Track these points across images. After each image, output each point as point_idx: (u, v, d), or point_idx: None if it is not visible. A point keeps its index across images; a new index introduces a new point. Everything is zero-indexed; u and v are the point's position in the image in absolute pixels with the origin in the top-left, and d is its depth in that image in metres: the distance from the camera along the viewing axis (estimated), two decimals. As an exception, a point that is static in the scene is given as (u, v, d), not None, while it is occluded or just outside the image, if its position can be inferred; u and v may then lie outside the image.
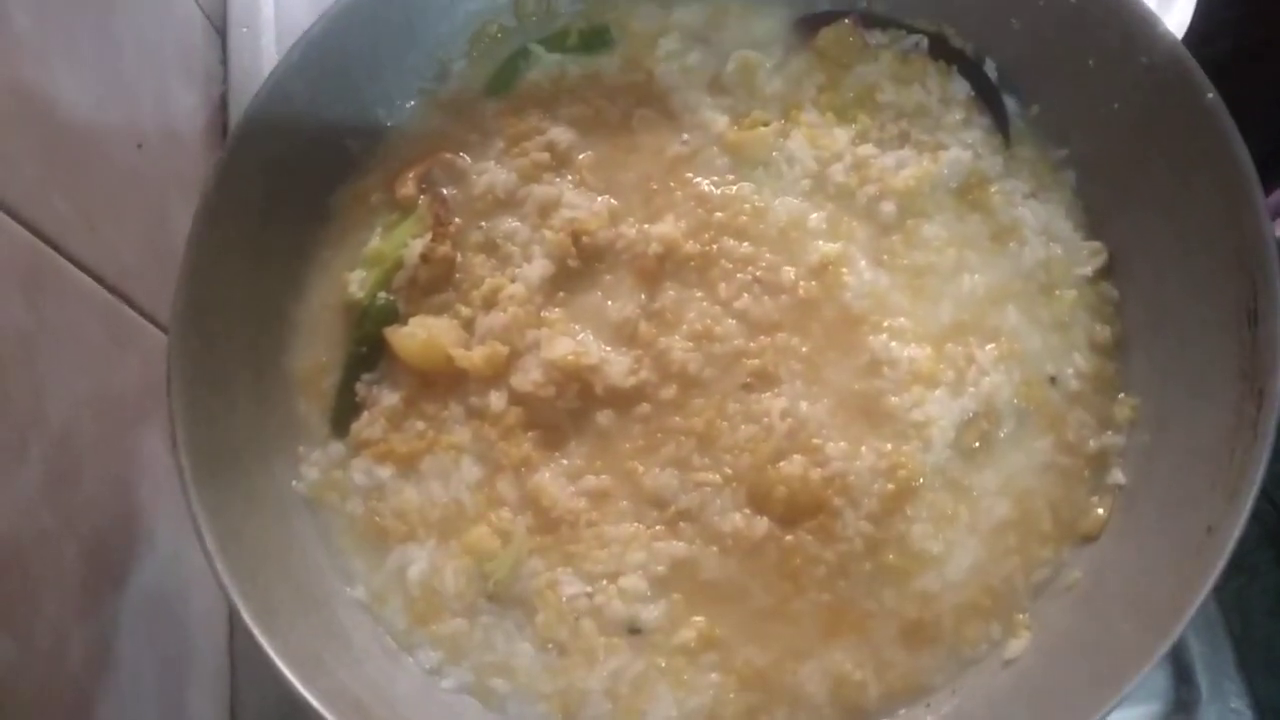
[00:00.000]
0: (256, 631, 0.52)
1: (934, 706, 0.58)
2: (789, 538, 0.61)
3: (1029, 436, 0.63)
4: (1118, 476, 0.62)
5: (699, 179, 0.70)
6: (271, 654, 0.51)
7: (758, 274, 0.67)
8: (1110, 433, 0.63)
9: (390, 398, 0.65)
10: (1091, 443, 0.62)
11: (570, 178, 0.70)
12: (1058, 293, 0.66)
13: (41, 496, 0.55)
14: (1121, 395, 0.64)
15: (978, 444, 0.62)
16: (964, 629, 0.59)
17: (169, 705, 0.64)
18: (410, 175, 0.70)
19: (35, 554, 0.54)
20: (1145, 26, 0.61)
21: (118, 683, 0.59)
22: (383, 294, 0.67)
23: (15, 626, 0.51)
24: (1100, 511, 0.61)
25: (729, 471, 0.62)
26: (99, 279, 0.66)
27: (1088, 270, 0.66)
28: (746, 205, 0.69)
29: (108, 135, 0.69)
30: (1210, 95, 0.59)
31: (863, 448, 0.62)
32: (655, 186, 0.70)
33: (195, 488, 0.55)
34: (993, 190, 0.68)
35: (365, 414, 0.64)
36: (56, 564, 0.55)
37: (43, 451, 0.55)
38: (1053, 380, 0.64)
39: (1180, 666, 0.70)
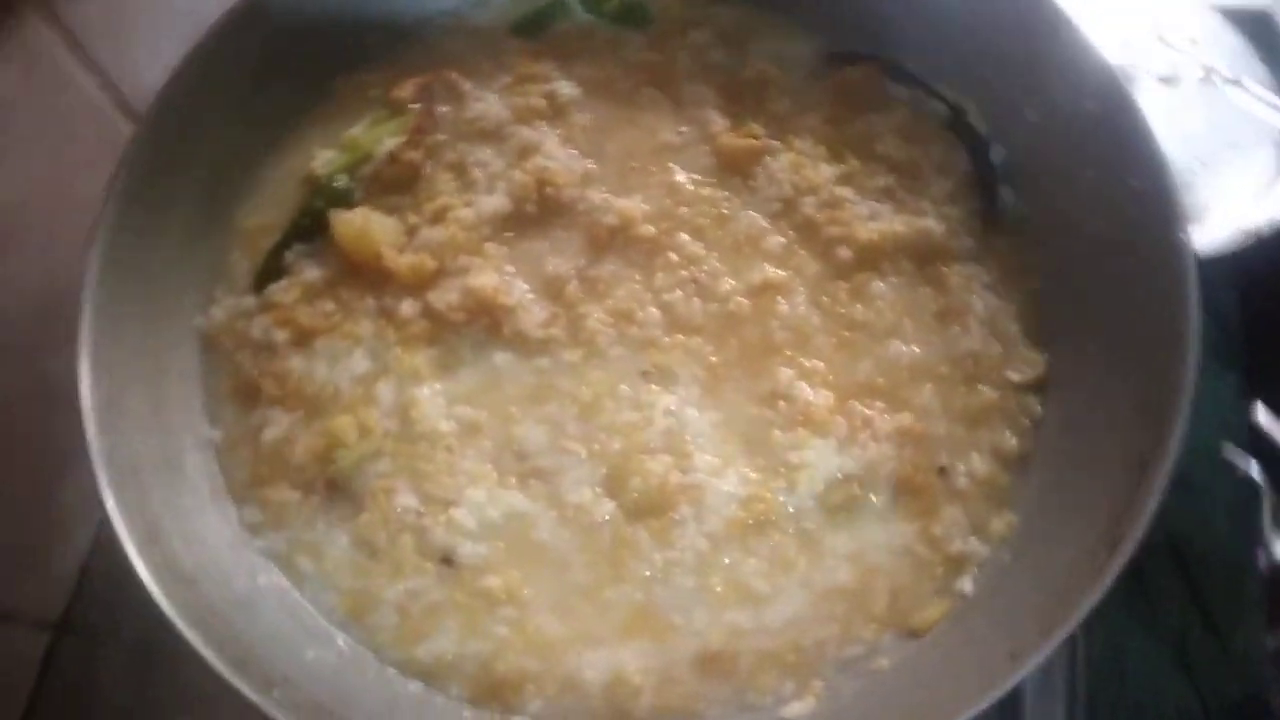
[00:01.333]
0: (89, 422, 0.53)
1: (697, 735, 0.57)
2: (627, 529, 0.61)
3: (896, 516, 0.62)
4: (966, 585, 0.60)
5: (679, 170, 0.70)
6: (93, 448, 0.53)
7: (698, 275, 0.67)
8: (977, 540, 0.61)
9: (313, 273, 0.66)
10: (956, 544, 0.61)
11: (559, 131, 0.71)
12: (980, 388, 0.64)
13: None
14: (1005, 510, 0.62)
15: (842, 505, 0.61)
16: (759, 675, 0.58)
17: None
18: (412, 81, 0.72)
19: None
20: (1146, 148, 0.60)
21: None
22: (344, 177, 0.69)
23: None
24: (934, 613, 0.59)
25: (597, 448, 0.62)
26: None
27: (1019, 377, 0.65)
28: (713, 210, 0.69)
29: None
30: (1180, 235, 0.57)
31: (730, 469, 0.62)
32: (635, 165, 0.71)
33: (95, 285, 0.57)
34: (954, 269, 0.67)
35: (285, 280, 0.66)
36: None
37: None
38: (941, 471, 0.62)
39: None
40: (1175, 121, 0.81)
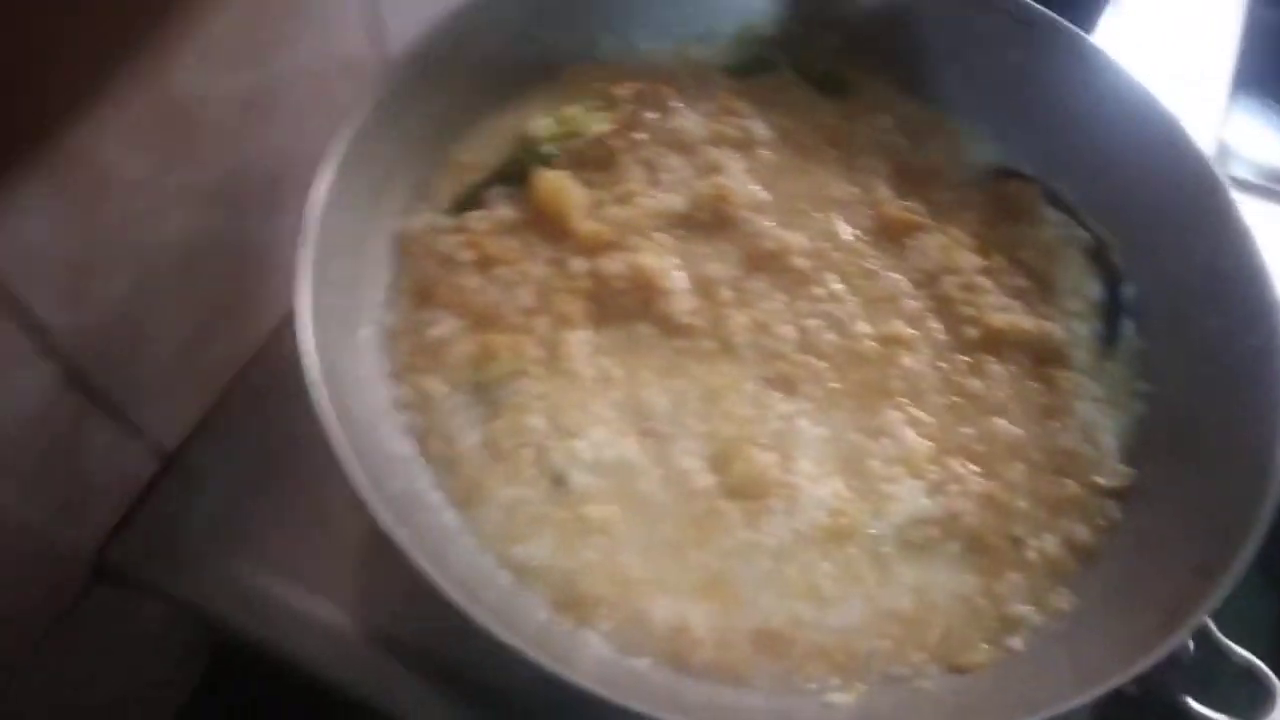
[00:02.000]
0: (303, 269, 0.61)
1: (739, 698, 0.60)
2: (722, 503, 0.66)
3: (964, 567, 0.66)
4: (1016, 643, 0.63)
5: (841, 222, 0.78)
6: (299, 288, 0.60)
7: (836, 312, 0.74)
8: (1034, 609, 0.65)
9: (507, 212, 0.75)
10: (1014, 606, 0.65)
11: (744, 162, 0.80)
12: (1066, 481, 0.69)
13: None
14: (1064, 589, 0.66)
15: (919, 543, 0.66)
16: (808, 663, 0.62)
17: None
18: (631, 84, 0.82)
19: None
20: (1268, 309, 0.66)
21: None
22: (552, 145, 0.78)
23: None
24: (982, 658, 0.63)
25: (711, 429, 0.68)
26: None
27: (1104, 482, 0.69)
28: (862, 262, 0.76)
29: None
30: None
31: (826, 481, 0.67)
32: (802, 207, 0.79)
33: (332, 166, 0.65)
34: (1067, 375, 0.73)
35: (483, 211, 0.74)
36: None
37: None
38: (1015, 541, 0.67)
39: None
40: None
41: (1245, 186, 1.14)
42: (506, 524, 0.64)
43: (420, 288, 0.72)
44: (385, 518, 0.54)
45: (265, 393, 0.80)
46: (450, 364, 0.68)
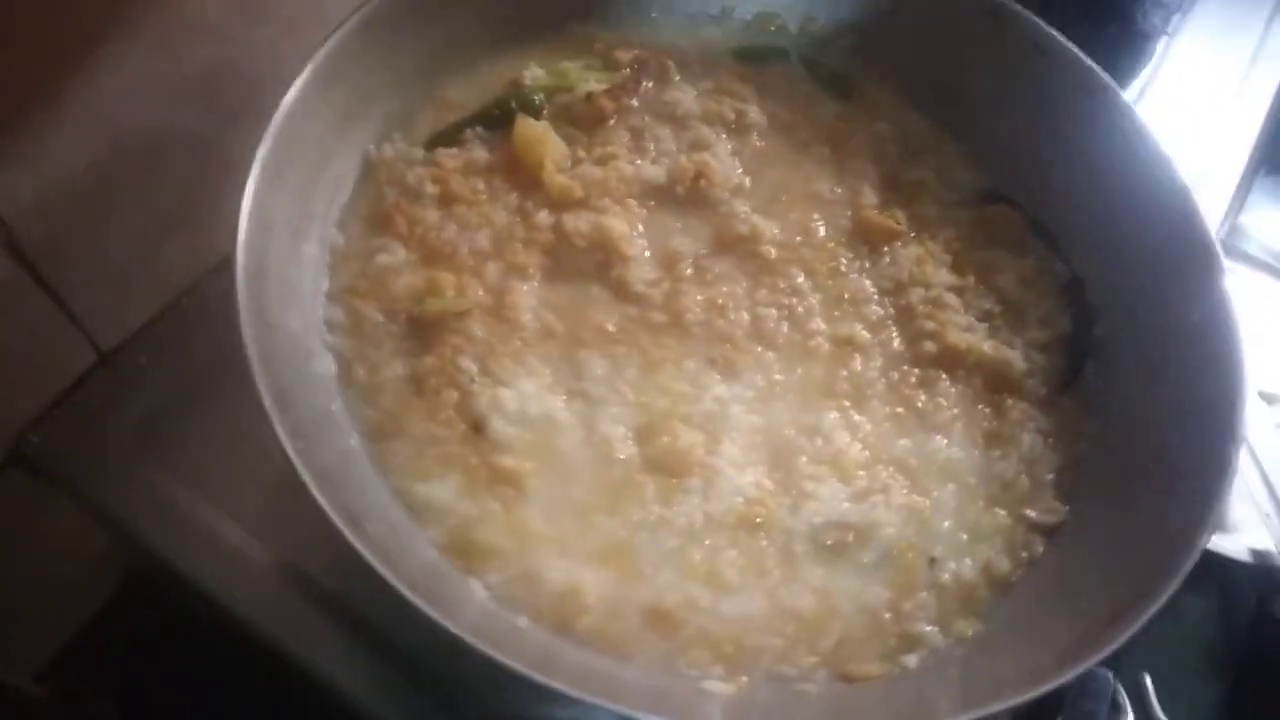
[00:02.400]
0: (258, 167, 0.60)
1: (615, 670, 0.59)
2: (639, 475, 0.64)
3: (875, 579, 0.64)
4: (911, 661, 0.62)
5: (818, 219, 0.77)
6: (250, 187, 0.59)
7: (795, 306, 0.72)
8: (937, 631, 0.63)
9: (480, 154, 0.74)
10: (918, 625, 0.63)
11: (732, 144, 0.79)
12: (997, 510, 0.67)
13: None
14: (972, 617, 0.64)
15: (832, 547, 0.64)
16: (695, 648, 0.60)
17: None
18: (634, 51, 0.81)
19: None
20: (1230, 365, 0.64)
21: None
22: (541, 95, 0.77)
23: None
24: (874, 670, 0.61)
25: (644, 400, 0.67)
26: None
27: (1035, 517, 0.67)
28: (832, 262, 0.75)
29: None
30: (1231, 449, 0.61)
31: (750, 470, 0.66)
32: (783, 198, 0.77)
33: (309, 75, 0.64)
34: (1017, 405, 0.71)
35: (455, 149, 0.74)
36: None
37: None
38: (932, 561, 0.65)
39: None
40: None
41: (1252, 262, 1.12)
42: (414, 460, 0.63)
43: (377, 214, 0.71)
44: (281, 425, 0.53)
45: (216, 309, 0.78)
46: (391, 293, 0.68)
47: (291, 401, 0.57)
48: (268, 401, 0.54)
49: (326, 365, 0.65)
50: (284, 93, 0.63)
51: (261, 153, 0.61)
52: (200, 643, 0.76)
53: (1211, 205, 0.94)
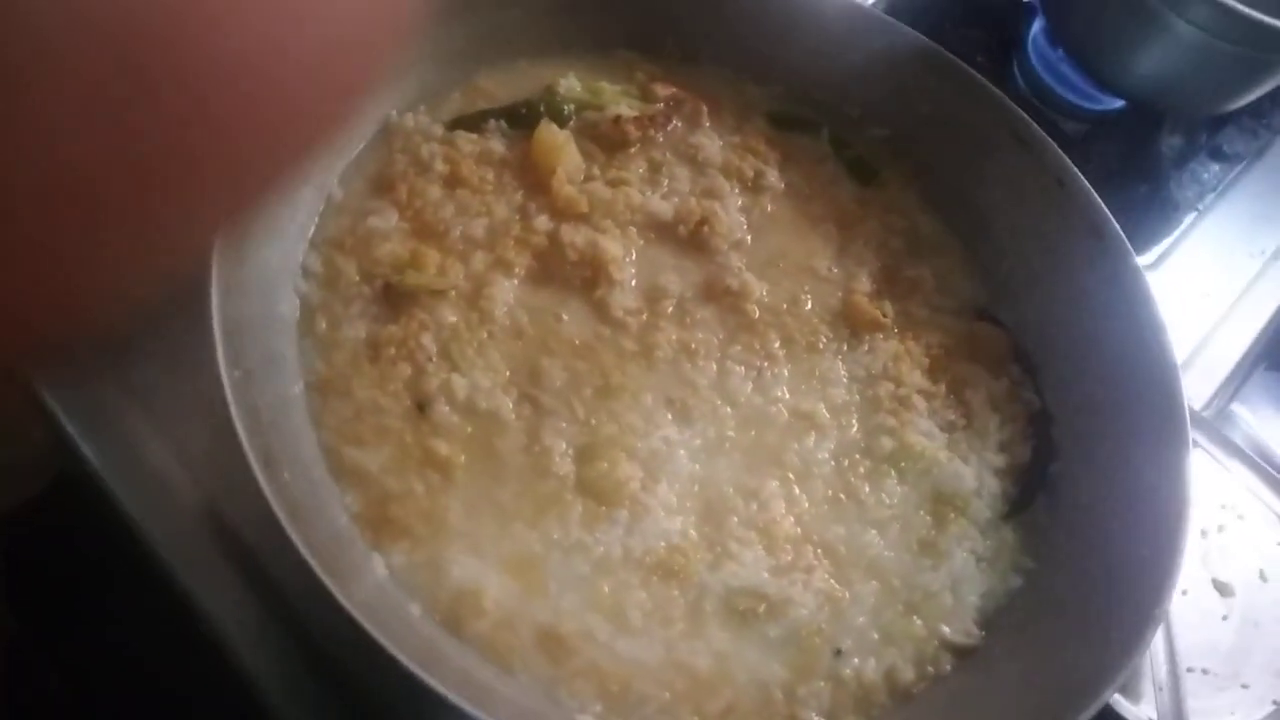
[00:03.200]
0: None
1: (494, 681, 0.57)
2: (568, 494, 0.63)
3: (776, 656, 0.63)
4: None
5: (809, 294, 0.77)
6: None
7: (765, 370, 0.72)
8: (826, 724, 0.62)
9: (497, 145, 0.74)
10: (807, 713, 0.61)
11: (743, 200, 0.79)
12: (915, 619, 0.66)
13: None
14: (864, 720, 0.63)
15: (741, 613, 0.63)
16: (580, 680, 0.59)
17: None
18: (672, 88, 0.81)
19: None
20: (1173, 543, 0.64)
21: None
22: (571, 106, 0.77)
23: None
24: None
25: (593, 422, 0.66)
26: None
27: (951, 637, 0.66)
28: (813, 336, 0.75)
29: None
30: (1159, 610, 0.60)
31: (680, 517, 0.65)
32: (780, 265, 0.78)
33: None
34: (960, 523, 0.70)
35: (476, 135, 0.74)
36: None
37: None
38: (838, 652, 0.64)
39: None
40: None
41: (1231, 449, 1.12)
42: (351, 423, 0.62)
43: (382, 177, 0.71)
44: (224, 351, 0.53)
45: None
46: (374, 256, 0.67)
47: (245, 333, 0.57)
48: (215, 323, 0.53)
49: (292, 309, 0.64)
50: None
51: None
52: (110, 565, 0.74)
53: (1202, 384, 0.95)
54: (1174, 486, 0.68)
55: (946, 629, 0.67)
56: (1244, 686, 0.83)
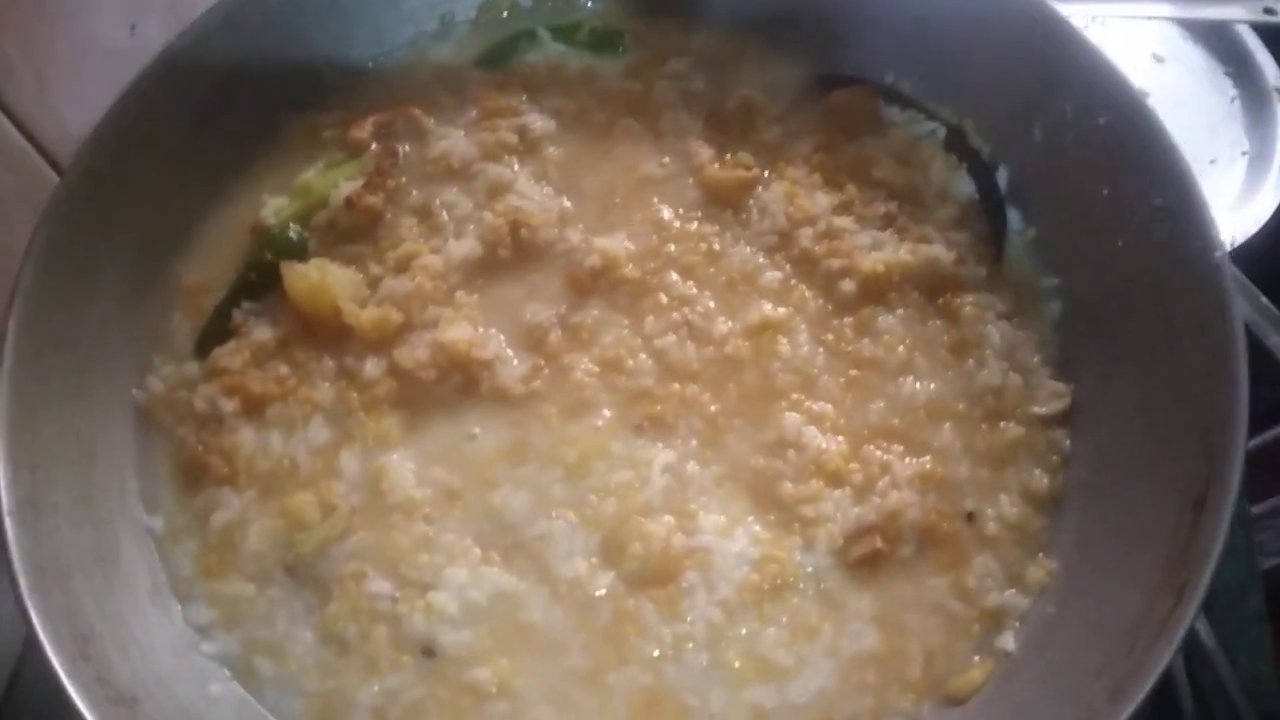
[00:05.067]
0: (9, 524, 0.46)
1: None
2: (630, 601, 0.54)
3: (925, 570, 0.56)
4: (1008, 642, 0.54)
5: (663, 205, 0.65)
6: (13, 551, 0.46)
7: (691, 317, 0.61)
8: (1015, 592, 0.55)
9: (264, 333, 0.60)
10: (992, 597, 0.55)
11: (531, 168, 0.66)
12: (1003, 425, 0.59)
13: None
14: (1041, 556, 0.56)
15: (865, 561, 0.55)
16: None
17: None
18: (371, 120, 0.66)
19: None
20: (1169, 161, 0.56)
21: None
22: (296, 227, 0.63)
23: None
24: (977, 675, 0.53)
25: (589, 513, 0.56)
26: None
27: (1044, 410, 0.59)
28: (703, 245, 0.64)
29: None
30: (1218, 254, 0.53)
31: (739, 528, 0.56)
32: (617, 201, 0.66)
33: (12, 363, 0.50)
34: (967, 300, 0.62)
35: (233, 342, 0.60)
36: None
37: None
38: (970, 517, 0.57)
39: None
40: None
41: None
42: (382, 710, 0.51)
43: (183, 467, 0.57)
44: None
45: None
46: (250, 552, 0.55)
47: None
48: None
49: (224, 683, 0.52)
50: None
51: (5, 507, 0.47)
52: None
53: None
54: (1126, 100, 0.59)
55: (1037, 408, 0.59)
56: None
